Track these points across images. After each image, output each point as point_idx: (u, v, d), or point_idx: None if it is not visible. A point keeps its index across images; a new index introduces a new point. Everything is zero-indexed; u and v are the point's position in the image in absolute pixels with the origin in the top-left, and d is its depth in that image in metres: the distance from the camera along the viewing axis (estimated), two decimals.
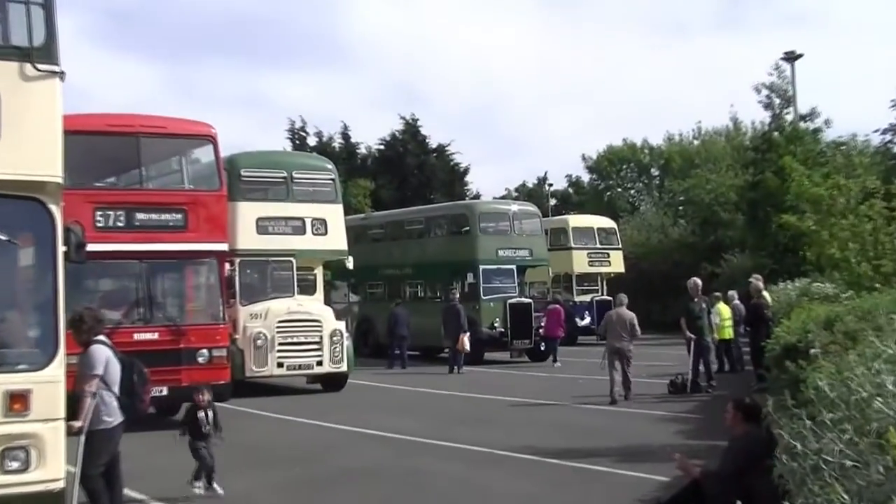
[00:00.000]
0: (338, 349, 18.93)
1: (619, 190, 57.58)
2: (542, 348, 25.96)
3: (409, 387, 20.34)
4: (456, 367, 23.33)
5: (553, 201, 59.10)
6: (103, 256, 12.70)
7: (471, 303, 25.20)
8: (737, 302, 22.20)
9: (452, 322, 23.60)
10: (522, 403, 17.15)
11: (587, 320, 32.84)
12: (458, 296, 24.69)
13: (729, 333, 21.18)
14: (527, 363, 26.01)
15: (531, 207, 29.81)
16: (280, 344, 18.43)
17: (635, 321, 17.27)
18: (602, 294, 34.09)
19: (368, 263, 26.76)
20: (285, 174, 20.09)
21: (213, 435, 9.64)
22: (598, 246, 34.97)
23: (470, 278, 26.58)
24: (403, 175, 51.91)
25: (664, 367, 20.28)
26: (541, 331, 25.56)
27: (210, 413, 9.60)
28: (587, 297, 33.69)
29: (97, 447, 7.81)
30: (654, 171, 57.22)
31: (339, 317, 20.52)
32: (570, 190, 61.75)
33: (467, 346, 23.79)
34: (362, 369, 21.79)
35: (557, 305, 25.69)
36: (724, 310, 21.18)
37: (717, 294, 22.10)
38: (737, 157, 45.03)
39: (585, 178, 60.21)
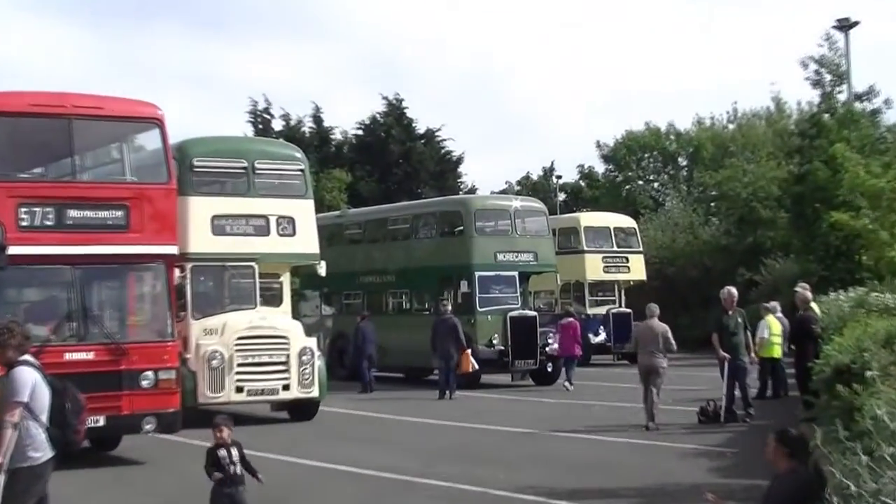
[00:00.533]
0: (308, 371, 18.93)
1: (640, 183, 57.79)
2: (549, 369, 26.00)
3: (391, 415, 20.36)
4: (448, 392, 23.34)
5: (562, 196, 59.26)
6: (29, 261, 12.71)
7: (465, 316, 25.18)
8: (780, 315, 22.26)
9: (445, 338, 23.59)
10: (526, 434, 17.18)
11: (602, 336, 32.96)
12: (450, 307, 24.70)
13: (778, 352, 21.25)
14: (531, 387, 26.07)
15: (536, 204, 29.89)
16: (239, 364, 18.40)
17: (669, 334, 17.42)
18: (620, 305, 34.21)
19: (344, 269, 26.78)
20: (246, 164, 20.08)
21: (243, 480, 9.30)
22: (616, 249, 35.09)
23: (464, 287, 26.61)
24: (386, 165, 52.02)
25: (694, 392, 20.31)
26: (548, 349, 25.58)
27: (235, 451, 9.34)
28: (602, 310, 33.81)
29: (21, 487, 7.77)
30: (682, 161, 57.43)
31: (309, 332, 20.54)
32: (582, 183, 61.95)
33: (475, 364, 23.88)
34: (337, 394, 21.80)
35: (572, 319, 25.73)
36: (774, 324, 21.27)
37: (767, 305, 22.19)
38: (779, 144, 45.26)
39: (600, 168, 60.53)
